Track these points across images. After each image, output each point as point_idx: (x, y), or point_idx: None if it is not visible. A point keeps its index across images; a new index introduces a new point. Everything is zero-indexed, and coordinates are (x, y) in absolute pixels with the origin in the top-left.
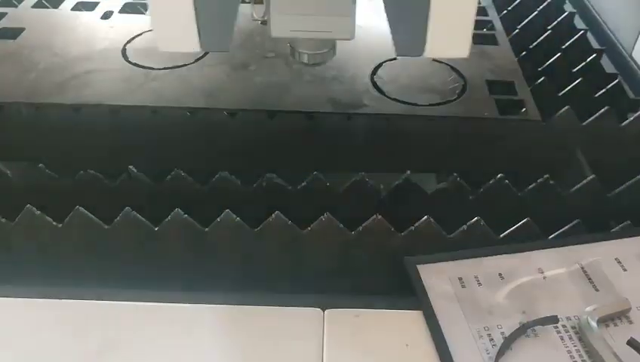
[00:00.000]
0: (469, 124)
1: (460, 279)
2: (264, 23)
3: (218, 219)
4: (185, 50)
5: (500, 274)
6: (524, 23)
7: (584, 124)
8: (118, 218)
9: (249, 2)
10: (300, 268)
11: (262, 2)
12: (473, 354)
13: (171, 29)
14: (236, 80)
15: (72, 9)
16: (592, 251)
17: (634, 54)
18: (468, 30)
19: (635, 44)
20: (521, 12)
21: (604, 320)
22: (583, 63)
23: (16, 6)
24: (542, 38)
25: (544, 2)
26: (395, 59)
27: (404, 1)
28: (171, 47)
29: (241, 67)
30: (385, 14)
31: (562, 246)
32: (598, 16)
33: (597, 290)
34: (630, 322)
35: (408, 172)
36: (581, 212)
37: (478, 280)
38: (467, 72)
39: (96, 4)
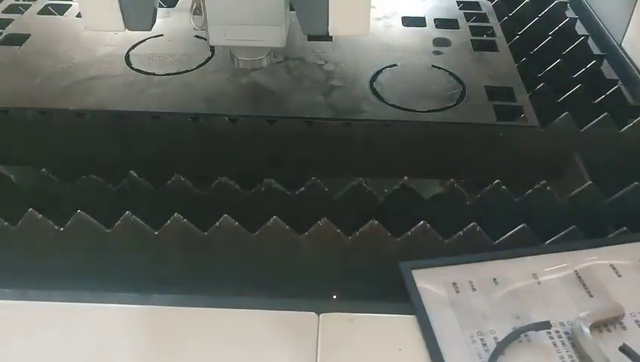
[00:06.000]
0: (467, 129)
1: (454, 284)
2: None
3: (217, 224)
4: (110, 29)
5: (494, 280)
6: (525, 28)
7: (582, 130)
8: (118, 222)
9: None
10: (298, 273)
11: (200, 13)
12: (466, 358)
13: (97, 11)
14: (237, 86)
15: (77, 16)
16: (587, 257)
17: (634, 59)
18: (366, 10)
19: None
20: (522, 18)
21: (598, 326)
22: (584, 69)
23: (22, 12)
24: (542, 44)
25: (545, 8)
26: (395, 65)
27: None
28: (98, 27)
29: (242, 74)
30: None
31: (557, 251)
32: (600, 22)
33: (591, 296)
34: (624, 328)
35: (405, 178)
36: (578, 218)
37: (472, 286)
38: (466, 78)
39: None
